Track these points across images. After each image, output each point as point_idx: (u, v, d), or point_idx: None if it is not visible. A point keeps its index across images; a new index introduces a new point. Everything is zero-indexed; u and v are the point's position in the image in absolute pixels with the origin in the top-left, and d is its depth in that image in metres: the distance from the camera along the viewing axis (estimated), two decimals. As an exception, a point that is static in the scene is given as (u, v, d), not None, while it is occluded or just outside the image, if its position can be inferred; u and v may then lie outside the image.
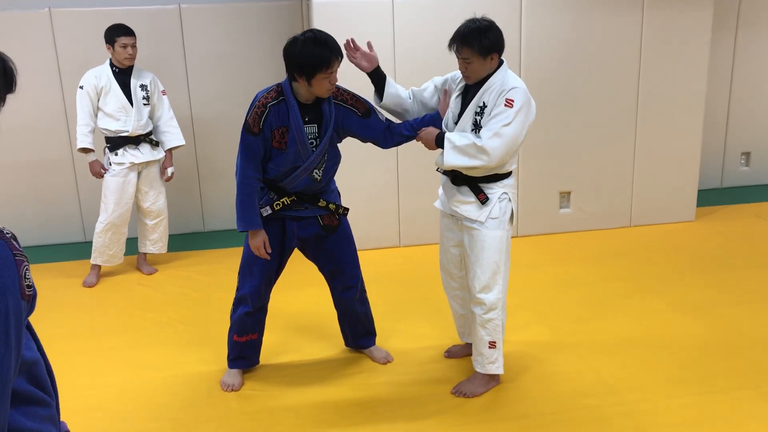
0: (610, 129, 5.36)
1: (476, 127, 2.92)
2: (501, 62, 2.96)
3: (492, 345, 3.06)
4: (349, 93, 3.07)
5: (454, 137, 2.90)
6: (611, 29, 5.16)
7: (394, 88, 3.16)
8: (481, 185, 2.99)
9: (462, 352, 3.47)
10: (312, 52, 2.78)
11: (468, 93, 2.99)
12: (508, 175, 3.04)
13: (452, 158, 2.89)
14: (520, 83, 2.91)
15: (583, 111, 5.28)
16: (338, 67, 2.87)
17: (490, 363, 3.09)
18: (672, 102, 5.39)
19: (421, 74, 4.93)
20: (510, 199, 3.03)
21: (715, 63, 6.11)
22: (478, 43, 2.83)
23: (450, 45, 2.92)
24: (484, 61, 2.87)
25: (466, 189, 3.01)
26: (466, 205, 3.01)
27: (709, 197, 6.29)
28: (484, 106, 2.90)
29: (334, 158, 3.14)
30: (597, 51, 5.18)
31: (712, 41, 5.44)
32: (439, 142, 2.95)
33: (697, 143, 5.55)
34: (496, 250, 2.97)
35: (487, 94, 2.90)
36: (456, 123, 3.00)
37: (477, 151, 2.84)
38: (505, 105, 2.83)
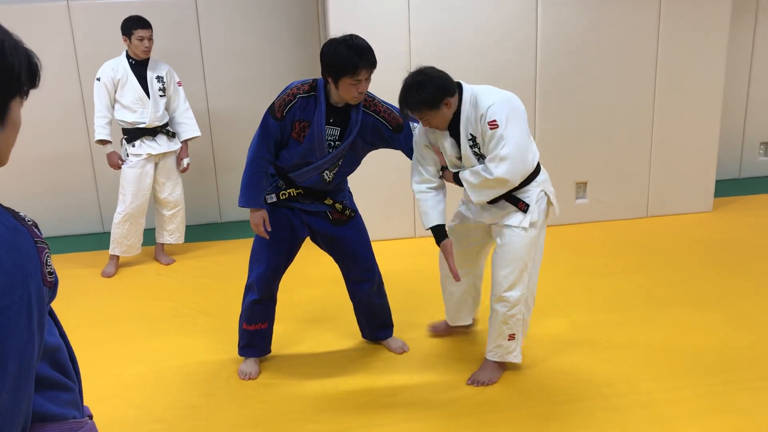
0: (627, 119, 5.32)
1: (481, 157, 2.87)
2: (459, 87, 2.86)
3: (511, 337, 3.07)
4: (383, 105, 3.05)
5: (468, 176, 2.89)
6: (628, 18, 5.11)
7: (439, 208, 3.03)
8: (516, 194, 2.93)
9: (448, 329, 3.55)
10: (341, 56, 2.76)
11: (453, 131, 2.90)
12: (537, 171, 2.98)
13: (479, 196, 2.91)
14: (490, 95, 2.81)
15: (599, 101, 5.24)
16: (367, 76, 2.82)
17: (509, 353, 3.11)
18: (689, 91, 5.34)
19: (437, 64, 4.93)
20: (546, 194, 2.99)
21: (733, 52, 6.02)
22: (421, 102, 2.73)
23: (402, 112, 2.87)
24: (439, 111, 2.78)
25: (502, 202, 2.96)
26: (507, 216, 2.96)
27: (727, 188, 6.23)
28: (473, 136, 2.84)
29: (351, 165, 3.13)
30: (614, 40, 5.14)
31: (730, 30, 5.37)
32: (456, 180, 2.97)
33: (714, 133, 5.50)
34: (527, 251, 2.95)
35: (467, 126, 2.83)
36: (460, 159, 2.94)
37: (495, 183, 2.81)
38: (491, 129, 2.75)
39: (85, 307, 4.18)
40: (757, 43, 6.28)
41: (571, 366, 3.26)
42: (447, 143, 2.92)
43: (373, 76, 2.88)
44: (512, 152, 2.75)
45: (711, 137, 5.50)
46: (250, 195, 3.01)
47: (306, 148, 2.97)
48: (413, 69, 2.84)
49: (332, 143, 3.00)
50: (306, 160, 3.01)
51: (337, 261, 3.33)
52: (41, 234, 1.11)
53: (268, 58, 5.57)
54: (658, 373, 3.16)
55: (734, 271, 4.36)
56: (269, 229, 3.05)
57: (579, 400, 2.97)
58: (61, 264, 4.84)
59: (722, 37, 5.28)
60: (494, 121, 2.73)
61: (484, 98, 2.79)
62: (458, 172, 2.95)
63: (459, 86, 2.85)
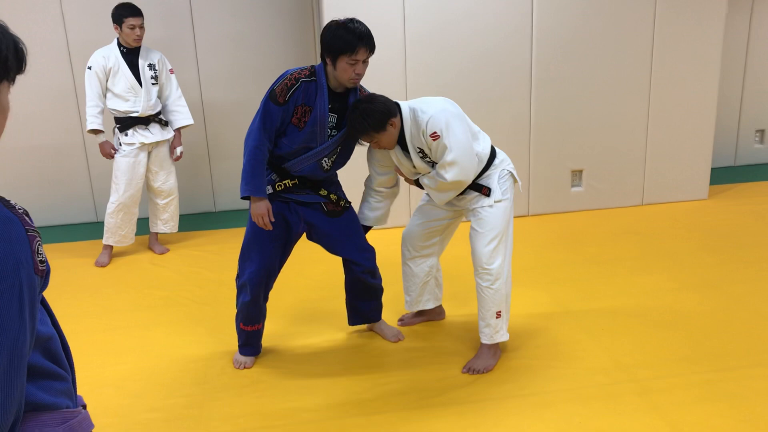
0: (623, 107, 5.31)
1: (434, 164, 3.05)
2: (398, 107, 3.01)
3: (498, 315, 3.12)
4: None
5: (426, 182, 3.12)
6: (624, 5, 5.09)
7: (375, 213, 3.31)
8: (478, 181, 3.10)
9: (412, 319, 3.61)
10: (340, 35, 2.83)
11: (403, 145, 3.07)
12: (493, 156, 3.13)
13: (441, 197, 3.12)
14: (425, 109, 2.96)
15: (595, 88, 5.23)
16: (365, 58, 2.88)
17: (496, 332, 3.15)
18: (685, 79, 5.33)
19: (431, 54, 4.91)
20: (509, 172, 3.14)
21: (729, 39, 6.03)
22: (369, 127, 2.93)
23: (354, 139, 3.09)
24: (386, 132, 2.96)
25: (466, 189, 3.12)
26: (473, 200, 3.13)
27: (723, 175, 6.24)
28: (420, 149, 3.02)
29: (347, 153, 3.15)
30: (610, 27, 5.12)
31: (726, 18, 5.36)
32: (417, 183, 3.21)
33: (710, 120, 5.49)
34: (500, 222, 3.07)
35: (414, 141, 3.01)
36: (415, 167, 3.12)
37: (450, 185, 3.01)
38: (434, 140, 2.94)
39: (78, 296, 4.16)
40: (753, 30, 6.27)
41: (566, 353, 3.26)
42: (400, 157, 3.12)
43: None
44: (457, 156, 2.92)
45: (707, 125, 5.49)
46: (254, 183, 2.94)
47: (308, 133, 2.96)
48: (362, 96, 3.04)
49: (330, 130, 3.00)
50: (307, 146, 2.99)
51: (333, 253, 3.29)
52: (33, 222, 1.10)
53: (262, 47, 5.53)
54: (653, 360, 3.17)
55: (729, 258, 4.37)
56: (273, 220, 3.01)
57: (574, 387, 2.97)
58: (54, 254, 4.82)
59: (718, 25, 5.27)
60: (435, 133, 2.93)
61: (421, 114, 2.97)
62: (418, 178, 3.17)
63: (397, 106, 3.03)
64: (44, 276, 1.11)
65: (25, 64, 1.13)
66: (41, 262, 1.08)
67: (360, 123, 2.93)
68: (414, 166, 3.12)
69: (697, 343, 3.31)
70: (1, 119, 1.12)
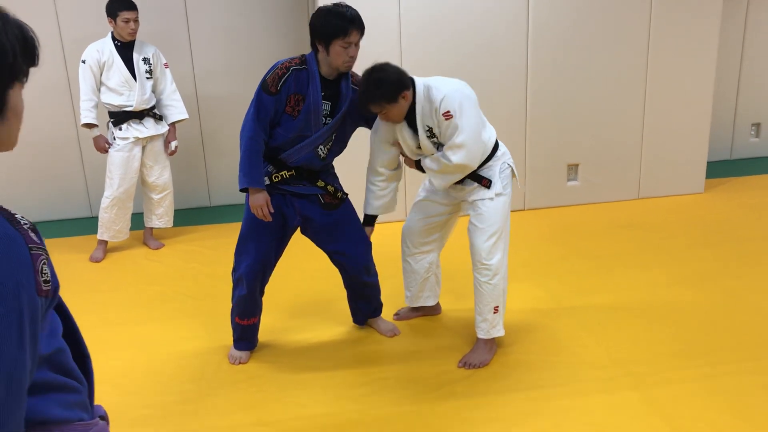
0: (619, 100, 5.30)
1: (439, 146, 3.00)
2: (413, 82, 2.95)
3: (495, 310, 3.11)
4: None
5: (429, 164, 3.05)
6: (620, 0, 5.08)
7: (380, 201, 3.23)
8: (478, 172, 3.06)
9: (409, 314, 3.60)
10: (331, 19, 2.84)
11: (411, 122, 3.00)
12: (496, 147, 3.11)
13: (442, 181, 3.07)
14: (441, 88, 2.90)
15: (591, 83, 5.21)
16: (357, 40, 2.88)
17: (493, 327, 3.14)
18: (681, 72, 5.32)
19: (427, 48, 4.89)
20: (509, 165, 3.12)
21: (726, 33, 6.01)
22: (381, 97, 2.85)
23: (363, 108, 2.96)
24: (397, 103, 2.89)
25: (467, 180, 3.08)
26: (473, 192, 3.09)
27: (719, 169, 6.24)
28: (430, 128, 2.96)
29: (342, 142, 3.14)
30: (606, 21, 5.10)
31: (723, 11, 5.35)
32: (418, 167, 3.13)
33: (706, 114, 5.49)
34: (500, 217, 3.05)
35: (423, 118, 2.95)
36: (419, 148, 3.06)
37: (455, 168, 2.96)
38: (446, 119, 2.88)
39: (72, 293, 4.11)
40: (749, 24, 6.26)
41: (562, 348, 3.26)
42: (406, 134, 3.04)
43: (361, 52, 2.92)
44: (467, 139, 2.88)
45: (703, 118, 5.49)
46: (252, 175, 2.93)
47: (302, 121, 2.94)
48: (371, 65, 2.93)
49: (324, 118, 2.98)
50: (302, 134, 2.98)
51: (328, 248, 3.26)
52: (40, 239, 1.04)
53: (257, 41, 5.50)
54: (649, 354, 3.16)
55: (725, 252, 4.36)
56: (272, 211, 3.00)
57: (571, 382, 2.97)
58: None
59: (714, 18, 5.25)
60: (448, 111, 2.87)
61: (436, 91, 2.91)
62: (420, 160, 3.10)
63: (412, 80, 2.96)
64: (49, 295, 1.04)
65: (38, 56, 1.04)
66: (45, 281, 1.02)
67: (372, 91, 2.84)
68: (418, 146, 3.05)
69: (692, 337, 3.31)
70: (14, 123, 1.05)
